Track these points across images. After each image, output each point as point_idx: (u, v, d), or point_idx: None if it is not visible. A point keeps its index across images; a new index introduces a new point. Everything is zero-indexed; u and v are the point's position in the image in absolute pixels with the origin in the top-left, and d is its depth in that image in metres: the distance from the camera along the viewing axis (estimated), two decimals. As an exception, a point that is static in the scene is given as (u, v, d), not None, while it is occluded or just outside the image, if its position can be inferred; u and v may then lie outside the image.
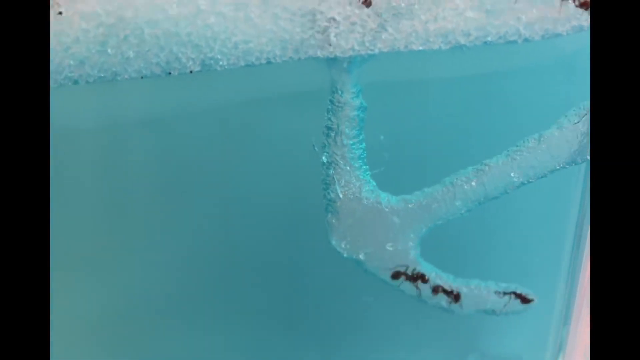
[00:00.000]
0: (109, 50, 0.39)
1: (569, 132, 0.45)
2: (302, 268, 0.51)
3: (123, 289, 0.51)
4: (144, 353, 0.54)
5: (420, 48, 0.41)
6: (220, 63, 0.40)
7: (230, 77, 0.41)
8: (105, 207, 0.48)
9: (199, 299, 0.52)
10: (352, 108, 0.43)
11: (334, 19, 0.40)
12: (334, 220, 0.46)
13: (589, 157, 0.46)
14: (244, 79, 0.43)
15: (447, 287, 0.49)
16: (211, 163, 0.47)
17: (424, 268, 0.48)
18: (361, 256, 0.47)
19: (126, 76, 0.40)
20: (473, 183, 0.46)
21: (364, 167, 0.45)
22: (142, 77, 0.40)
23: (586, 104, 0.45)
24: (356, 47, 0.41)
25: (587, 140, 0.46)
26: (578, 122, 0.45)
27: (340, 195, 0.45)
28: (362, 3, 0.39)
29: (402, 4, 0.40)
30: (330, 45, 0.40)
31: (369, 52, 0.41)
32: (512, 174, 0.46)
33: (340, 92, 0.43)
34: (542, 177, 0.46)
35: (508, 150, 0.46)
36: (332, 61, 0.42)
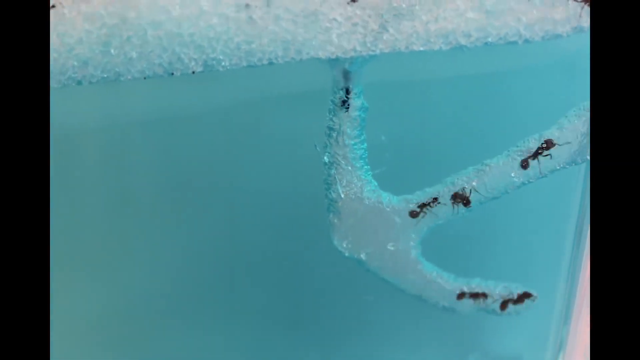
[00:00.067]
0: (112, 51, 0.39)
1: (569, 132, 0.45)
2: (304, 267, 0.51)
3: (124, 289, 0.51)
4: (145, 353, 0.54)
5: (421, 49, 0.41)
6: (223, 64, 0.40)
7: (232, 78, 0.41)
8: (108, 207, 0.48)
9: (200, 298, 0.52)
10: (354, 108, 0.43)
11: (336, 20, 0.40)
12: (335, 220, 0.47)
13: (589, 157, 0.46)
14: (246, 80, 0.43)
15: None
16: (213, 163, 0.47)
17: (425, 267, 0.48)
18: (362, 256, 0.48)
19: (129, 77, 0.40)
20: (474, 183, 0.46)
21: (366, 167, 0.45)
22: (145, 78, 0.40)
23: (586, 104, 0.45)
24: (357, 48, 0.41)
25: (587, 141, 0.46)
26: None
27: (342, 195, 0.45)
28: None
29: (403, 5, 0.40)
30: (331, 45, 0.41)
31: (370, 52, 0.41)
32: (512, 174, 0.46)
33: (341, 92, 0.43)
34: (542, 177, 0.46)
35: (508, 151, 0.46)
36: (334, 62, 0.41)
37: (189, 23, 0.39)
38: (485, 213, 0.47)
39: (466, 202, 0.45)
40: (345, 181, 0.45)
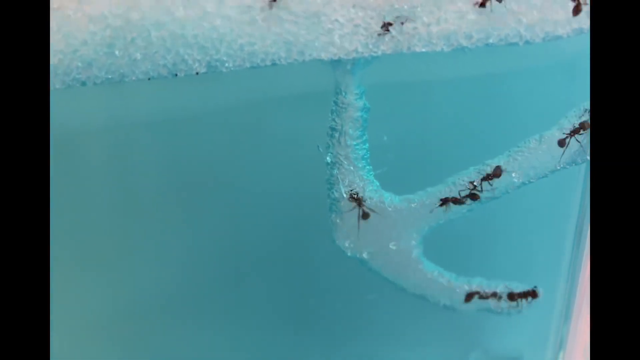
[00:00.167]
0: (117, 52, 0.39)
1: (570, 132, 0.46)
2: (306, 267, 0.51)
3: (127, 290, 0.51)
4: (146, 353, 0.54)
5: (423, 50, 0.41)
6: (226, 65, 0.40)
7: (235, 79, 0.41)
8: (112, 207, 0.48)
9: (203, 298, 0.52)
10: (356, 109, 0.43)
11: (338, 21, 0.40)
12: (337, 220, 0.47)
13: (589, 158, 0.46)
14: (250, 81, 0.43)
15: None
16: (217, 163, 0.47)
17: (427, 267, 0.49)
18: (365, 255, 0.48)
19: (133, 78, 0.40)
20: (475, 183, 0.46)
21: (368, 167, 0.45)
22: (149, 79, 0.40)
23: (586, 104, 0.45)
24: (360, 49, 0.41)
25: (587, 141, 0.46)
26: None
27: (344, 195, 0.46)
28: None
29: (405, 7, 0.40)
30: (334, 47, 0.41)
31: (373, 54, 0.41)
32: (513, 174, 0.46)
33: (344, 93, 0.43)
34: (542, 177, 0.46)
35: (509, 151, 0.46)
36: (336, 63, 0.42)
37: (193, 24, 0.39)
38: (486, 213, 0.48)
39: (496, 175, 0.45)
40: (347, 181, 0.45)
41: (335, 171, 0.45)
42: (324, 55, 0.41)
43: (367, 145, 0.45)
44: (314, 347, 0.55)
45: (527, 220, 0.52)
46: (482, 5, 0.40)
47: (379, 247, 0.47)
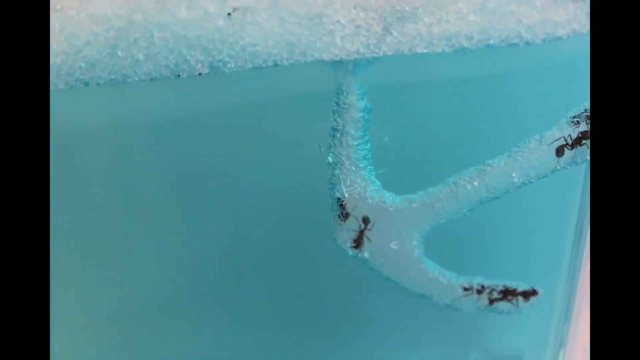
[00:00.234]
0: (119, 53, 0.39)
1: (570, 133, 0.46)
2: (308, 266, 0.51)
3: (129, 290, 0.51)
4: (146, 352, 0.54)
5: (424, 51, 0.41)
6: (229, 65, 0.40)
7: (238, 80, 0.42)
8: (114, 207, 0.48)
9: (204, 297, 0.52)
10: (357, 110, 0.43)
11: (340, 23, 0.40)
12: (342, 219, 0.47)
13: (589, 158, 0.46)
14: (252, 81, 0.43)
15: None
16: (218, 163, 0.47)
17: (428, 266, 0.49)
18: (366, 254, 0.48)
19: (136, 78, 0.40)
20: (475, 183, 0.46)
21: (369, 167, 0.45)
22: (151, 80, 0.40)
23: (586, 104, 0.45)
24: (361, 50, 0.41)
25: (587, 141, 0.46)
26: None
27: (346, 195, 0.46)
28: None
29: (407, 8, 0.40)
30: (335, 48, 0.41)
31: (374, 54, 0.41)
32: (513, 174, 0.46)
33: (345, 94, 0.43)
34: (543, 177, 0.46)
35: (510, 151, 0.46)
36: (338, 64, 0.42)
37: (195, 25, 0.39)
38: (487, 213, 0.48)
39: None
40: (349, 181, 0.45)
41: (337, 171, 0.45)
42: (325, 56, 0.41)
43: (369, 145, 0.45)
44: (315, 346, 0.55)
45: (527, 220, 0.52)
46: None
47: (381, 247, 0.47)
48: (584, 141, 0.45)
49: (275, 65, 0.41)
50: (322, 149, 0.45)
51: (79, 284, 0.51)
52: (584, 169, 0.50)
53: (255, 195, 0.48)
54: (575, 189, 0.51)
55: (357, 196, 0.46)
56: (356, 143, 0.44)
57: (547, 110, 0.46)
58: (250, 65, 0.40)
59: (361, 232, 0.46)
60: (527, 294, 0.51)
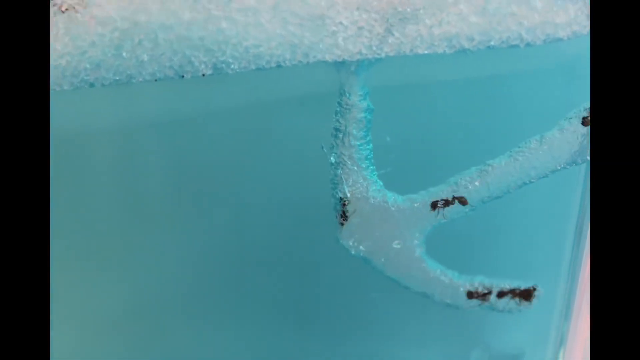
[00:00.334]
0: (124, 54, 0.39)
1: (570, 133, 0.46)
2: (311, 265, 0.51)
3: (130, 290, 0.51)
4: (147, 352, 0.54)
5: (425, 52, 0.41)
6: (232, 67, 0.40)
7: (241, 80, 0.42)
8: (117, 208, 0.48)
9: (207, 297, 0.52)
10: (360, 110, 0.44)
11: (342, 24, 0.40)
12: (342, 219, 0.47)
13: (589, 158, 0.46)
14: (255, 82, 0.43)
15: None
16: (222, 163, 0.47)
17: (429, 265, 0.49)
18: (368, 254, 0.48)
19: (140, 79, 0.40)
20: (477, 183, 0.46)
21: (371, 167, 0.45)
22: (156, 80, 0.40)
23: (586, 105, 0.46)
24: (363, 51, 0.41)
25: (587, 142, 0.46)
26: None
27: (348, 195, 0.46)
28: None
29: (408, 9, 0.40)
30: (338, 49, 0.41)
31: (376, 56, 0.41)
32: (514, 174, 0.47)
33: (348, 94, 0.43)
34: (543, 177, 0.47)
35: (510, 151, 0.46)
36: (341, 65, 0.42)
37: (199, 27, 0.39)
38: (488, 212, 0.48)
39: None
40: (351, 181, 0.45)
41: (339, 171, 0.45)
42: (328, 57, 0.41)
43: (371, 145, 0.45)
44: (318, 344, 0.55)
45: (528, 219, 0.52)
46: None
47: (382, 246, 0.48)
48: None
49: (278, 66, 0.41)
50: (325, 149, 0.45)
51: (81, 285, 0.51)
52: (584, 169, 0.50)
53: (258, 195, 0.48)
54: (575, 189, 0.51)
55: (359, 196, 0.46)
56: (358, 143, 0.44)
57: (548, 111, 0.47)
58: (253, 66, 0.40)
59: (344, 203, 0.46)
60: (527, 293, 0.51)
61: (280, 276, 0.52)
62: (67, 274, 0.49)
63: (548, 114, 0.46)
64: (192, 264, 0.51)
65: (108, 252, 0.50)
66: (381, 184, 0.46)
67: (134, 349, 0.53)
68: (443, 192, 0.47)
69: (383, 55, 0.41)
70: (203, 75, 0.40)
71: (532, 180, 0.47)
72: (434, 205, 0.46)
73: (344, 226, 0.47)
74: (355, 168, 0.45)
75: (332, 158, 0.45)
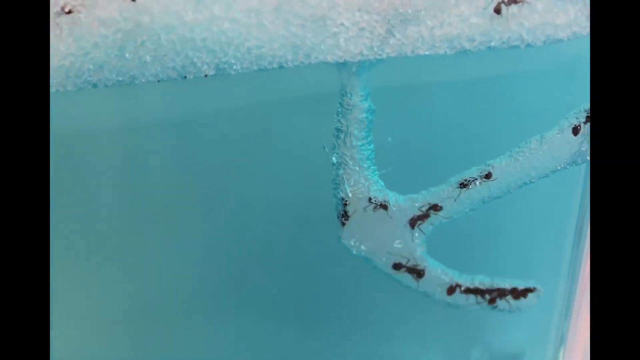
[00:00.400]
0: (127, 55, 0.39)
1: (570, 133, 0.46)
2: (312, 265, 0.51)
3: (131, 290, 0.51)
4: (147, 352, 0.54)
5: (427, 53, 0.41)
6: (234, 67, 0.40)
7: (243, 81, 0.42)
8: (119, 208, 0.48)
9: (208, 296, 0.52)
10: (361, 111, 0.44)
11: (344, 25, 0.40)
12: (343, 219, 0.47)
13: (589, 158, 0.47)
14: (257, 83, 0.43)
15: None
16: (224, 163, 0.47)
17: (431, 264, 0.49)
18: (369, 253, 0.48)
19: (143, 80, 0.40)
20: (477, 183, 0.47)
21: (373, 167, 0.46)
22: (158, 81, 0.40)
23: (586, 105, 0.46)
24: (365, 52, 0.41)
25: (587, 142, 0.46)
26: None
27: (350, 195, 0.46)
28: None
29: (409, 11, 0.40)
30: (339, 50, 0.41)
31: (377, 56, 0.41)
32: (514, 174, 0.47)
33: (349, 95, 0.43)
34: (543, 177, 0.47)
35: (511, 151, 0.46)
36: (342, 65, 0.42)
37: (201, 28, 0.39)
38: (489, 212, 0.48)
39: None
40: (352, 181, 0.46)
41: (341, 171, 0.45)
42: (329, 58, 0.41)
43: (372, 146, 0.45)
44: (319, 343, 0.55)
45: (528, 219, 0.52)
46: (497, 12, 0.41)
47: (384, 246, 0.48)
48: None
49: (280, 67, 0.41)
50: (326, 150, 0.45)
51: (81, 285, 0.50)
52: (584, 169, 0.50)
53: (259, 195, 0.49)
54: (575, 189, 0.51)
55: (360, 196, 0.46)
56: (360, 143, 0.45)
57: (548, 111, 0.47)
58: (255, 67, 0.40)
59: (345, 203, 0.46)
60: (527, 293, 0.51)
61: (282, 276, 0.52)
62: (67, 274, 0.49)
63: (548, 114, 0.46)
64: (193, 264, 0.51)
65: (108, 252, 0.50)
66: (382, 183, 0.46)
67: (134, 349, 0.53)
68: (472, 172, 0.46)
69: (384, 56, 0.41)
70: (205, 76, 0.40)
71: (532, 180, 0.47)
72: (463, 185, 0.46)
73: (345, 226, 0.47)
74: (357, 168, 0.45)
75: (333, 158, 0.45)
